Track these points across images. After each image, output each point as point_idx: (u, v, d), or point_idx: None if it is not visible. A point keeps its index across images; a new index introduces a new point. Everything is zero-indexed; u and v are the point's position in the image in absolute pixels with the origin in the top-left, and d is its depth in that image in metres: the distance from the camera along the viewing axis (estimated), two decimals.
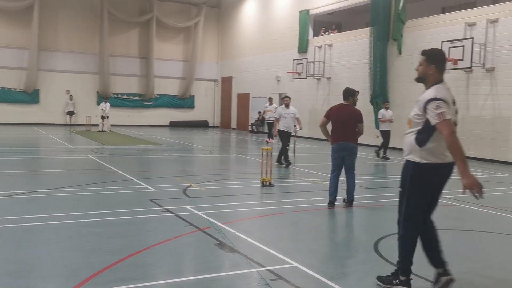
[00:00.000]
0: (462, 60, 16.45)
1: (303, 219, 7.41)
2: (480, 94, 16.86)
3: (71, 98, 29.76)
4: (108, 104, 25.94)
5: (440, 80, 4.21)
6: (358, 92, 8.41)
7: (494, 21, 16.29)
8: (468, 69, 16.71)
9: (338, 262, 5.31)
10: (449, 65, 17.08)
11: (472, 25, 16.91)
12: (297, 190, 10.23)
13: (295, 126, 13.84)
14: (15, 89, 28.98)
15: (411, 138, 4.22)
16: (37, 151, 16.92)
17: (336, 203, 8.05)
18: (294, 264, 5.04)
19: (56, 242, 5.67)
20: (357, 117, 7.98)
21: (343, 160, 8.05)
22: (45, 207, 7.49)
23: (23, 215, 6.86)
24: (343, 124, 7.98)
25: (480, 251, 6.03)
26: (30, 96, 29.34)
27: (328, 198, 8.07)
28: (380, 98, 20.32)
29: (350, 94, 8.17)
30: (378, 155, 16.42)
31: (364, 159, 15.52)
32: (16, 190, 8.65)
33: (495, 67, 16.24)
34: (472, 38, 16.44)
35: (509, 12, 15.97)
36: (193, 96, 34.03)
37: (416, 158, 4.17)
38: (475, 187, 3.80)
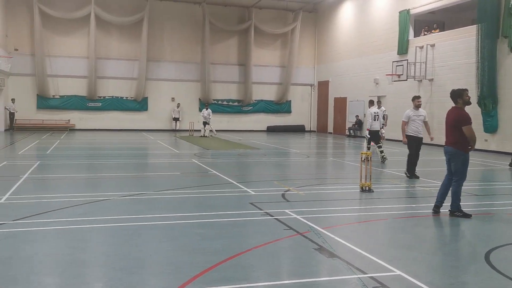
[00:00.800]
0: None
1: (406, 226, 7.15)
2: None
3: (178, 105, 31.38)
4: (209, 110, 26.94)
5: None
6: (466, 90, 7.84)
7: None
8: None
9: (446, 272, 5.05)
10: None
11: None
12: (398, 196, 9.90)
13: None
14: (126, 97, 31.19)
15: None
16: (146, 155, 18.04)
17: (442, 209, 7.68)
18: (398, 272, 4.89)
19: (163, 241, 6.02)
20: (459, 120, 7.49)
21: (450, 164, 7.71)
22: (154, 207, 7.97)
23: (133, 214, 7.36)
24: (447, 127, 7.76)
25: None
26: (140, 104, 31.40)
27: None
28: (488, 99, 19.08)
29: (457, 95, 7.74)
30: None
31: (472, 164, 14.58)
32: (128, 191, 9.30)
33: None
34: None
35: None
36: (290, 101, 34.28)
37: None
38: None
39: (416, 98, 11.90)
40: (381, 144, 15.31)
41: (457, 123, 7.51)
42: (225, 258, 5.26)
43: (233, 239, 6.13)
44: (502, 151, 18.47)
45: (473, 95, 19.26)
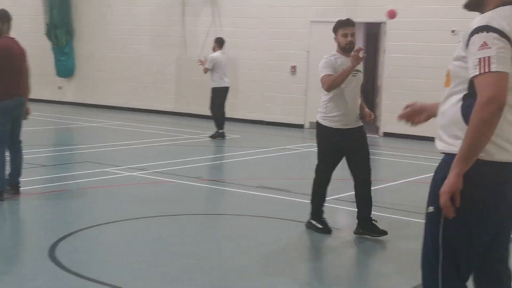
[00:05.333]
0: None
1: None
2: (199, 27, 13.66)
3: None
4: None
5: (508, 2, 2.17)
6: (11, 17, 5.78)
7: None
8: None
9: None
10: None
11: None
12: None
13: None
14: None
15: (454, 109, 2.13)
16: None
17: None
18: None
19: None
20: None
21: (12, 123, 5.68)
22: None
23: None
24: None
25: None
26: None
27: None
28: (62, 29, 15.48)
29: (5, 19, 5.63)
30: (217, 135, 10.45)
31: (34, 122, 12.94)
32: None
33: None
34: None
35: None
36: None
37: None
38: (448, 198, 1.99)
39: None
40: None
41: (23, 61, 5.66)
42: None
43: None
44: (82, 103, 15.30)
45: (39, 23, 15.51)
